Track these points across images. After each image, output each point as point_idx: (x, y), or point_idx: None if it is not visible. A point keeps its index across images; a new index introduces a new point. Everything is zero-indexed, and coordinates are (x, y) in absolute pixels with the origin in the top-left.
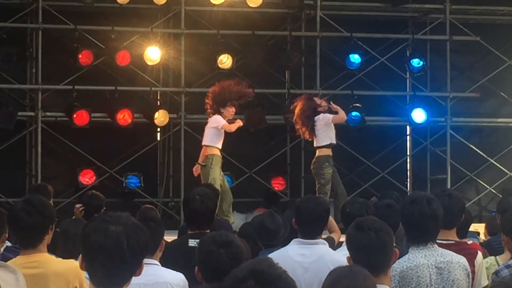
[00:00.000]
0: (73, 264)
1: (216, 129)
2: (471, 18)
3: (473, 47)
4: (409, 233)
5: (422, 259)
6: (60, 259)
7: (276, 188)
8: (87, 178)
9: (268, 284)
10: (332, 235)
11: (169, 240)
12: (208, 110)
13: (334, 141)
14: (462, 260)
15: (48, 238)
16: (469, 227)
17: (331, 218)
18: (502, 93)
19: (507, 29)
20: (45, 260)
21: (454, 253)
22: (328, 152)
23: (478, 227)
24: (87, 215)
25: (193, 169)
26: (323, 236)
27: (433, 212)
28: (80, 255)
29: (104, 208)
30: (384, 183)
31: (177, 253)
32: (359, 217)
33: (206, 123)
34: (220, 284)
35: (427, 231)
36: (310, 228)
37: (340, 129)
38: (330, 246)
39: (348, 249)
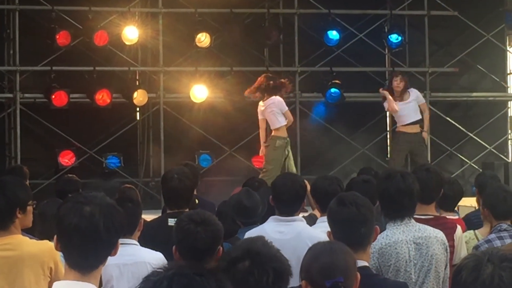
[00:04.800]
0: (48, 245)
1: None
2: None
3: (451, 22)
4: (385, 209)
5: (400, 235)
6: (34, 240)
7: (257, 166)
8: (66, 159)
9: (264, 263)
10: (314, 212)
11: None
12: (256, 94)
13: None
14: (440, 234)
15: (24, 220)
16: (458, 201)
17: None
18: (480, 67)
19: (484, 3)
20: (19, 242)
21: (432, 228)
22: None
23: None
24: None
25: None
26: (306, 214)
27: (408, 187)
28: (55, 236)
29: (80, 190)
30: (365, 159)
31: (157, 232)
32: (333, 193)
33: (185, 102)
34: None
35: (403, 207)
36: (287, 205)
37: (319, 106)
38: (312, 223)
39: (329, 223)
